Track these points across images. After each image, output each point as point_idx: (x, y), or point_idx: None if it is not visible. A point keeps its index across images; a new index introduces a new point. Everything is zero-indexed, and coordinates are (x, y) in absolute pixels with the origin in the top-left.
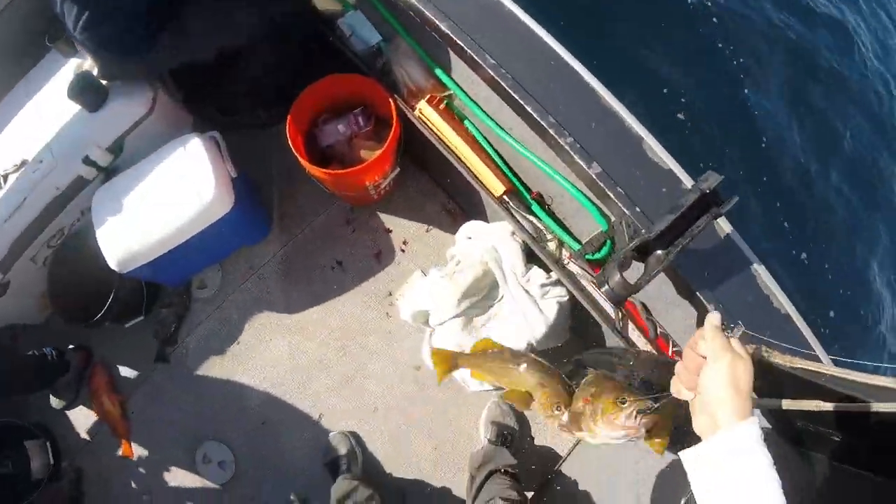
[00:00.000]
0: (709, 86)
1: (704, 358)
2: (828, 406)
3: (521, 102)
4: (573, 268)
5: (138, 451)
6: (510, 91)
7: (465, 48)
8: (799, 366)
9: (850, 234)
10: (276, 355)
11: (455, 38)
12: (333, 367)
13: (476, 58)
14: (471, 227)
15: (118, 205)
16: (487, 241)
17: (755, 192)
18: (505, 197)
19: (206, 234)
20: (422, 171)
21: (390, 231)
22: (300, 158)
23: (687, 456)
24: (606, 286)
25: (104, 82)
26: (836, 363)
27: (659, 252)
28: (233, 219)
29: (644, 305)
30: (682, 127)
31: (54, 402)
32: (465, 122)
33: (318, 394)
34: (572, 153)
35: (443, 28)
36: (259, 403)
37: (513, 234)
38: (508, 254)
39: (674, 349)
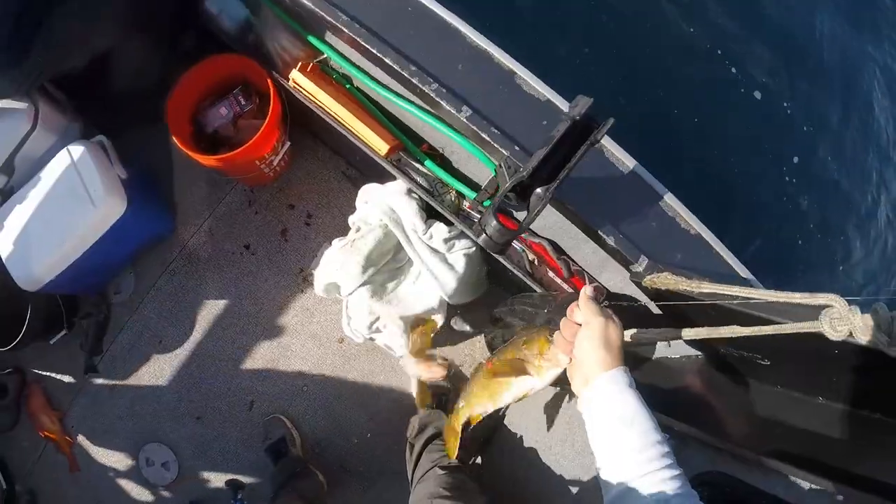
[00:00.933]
0: None
1: (580, 325)
2: (744, 331)
3: (379, 55)
4: (475, 216)
5: (85, 464)
6: (366, 45)
7: (318, 9)
8: (707, 290)
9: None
10: (199, 349)
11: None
12: (257, 353)
13: (328, 17)
14: (366, 191)
15: (16, 225)
16: (384, 203)
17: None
18: (395, 154)
19: (106, 240)
20: (315, 141)
21: (293, 206)
22: (182, 148)
23: (578, 406)
24: (484, 235)
25: None
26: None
27: (539, 190)
28: (131, 220)
29: (554, 244)
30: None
31: None
32: (348, 85)
33: (246, 381)
34: (439, 99)
35: None
36: (190, 399)
37: (409, 191)
38: (406, 212)
39: (592, 284)
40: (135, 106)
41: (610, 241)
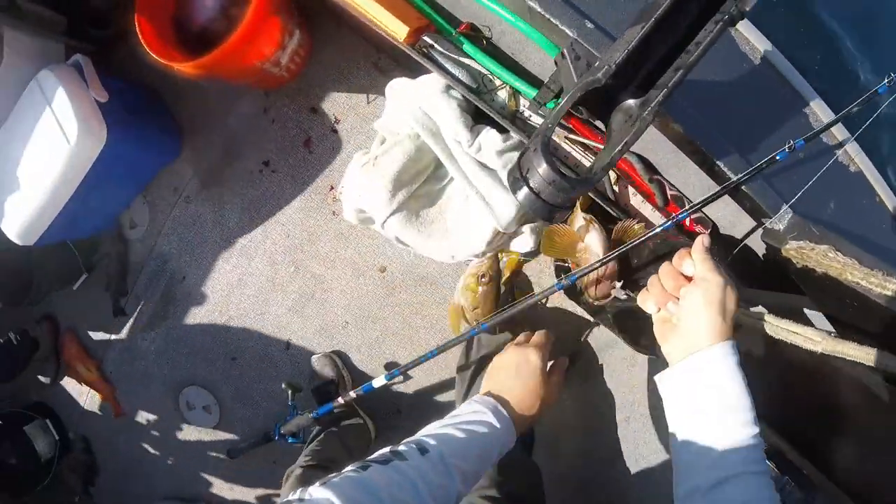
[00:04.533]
0: None
1: (688, 279)
2: None
3: None
4: (537, 121)
5: (129, 409)
6: None
7: None
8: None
9: None
10: (225, 284)
11: None
12: (288, 286)
13: None
14: (393, 89)
15: None
16: (414, 105)
17: None
18: (424, 40)
19: (97, 176)
20: (338, 27)
21: (316, 110)
22: (154, 55)
23: (664, 377)
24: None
25: None
26: None
27: (631, 102)
28: (121, 148)
29: (643, 160)
30: None
31: (42, 378)
32: None
33: (280, 318)
34: None
35: None
36: (223, 339)
37: (447, 88)
38: (445, 117)
39: (692, 216)
40: (121, 17)
41: (731, 175)
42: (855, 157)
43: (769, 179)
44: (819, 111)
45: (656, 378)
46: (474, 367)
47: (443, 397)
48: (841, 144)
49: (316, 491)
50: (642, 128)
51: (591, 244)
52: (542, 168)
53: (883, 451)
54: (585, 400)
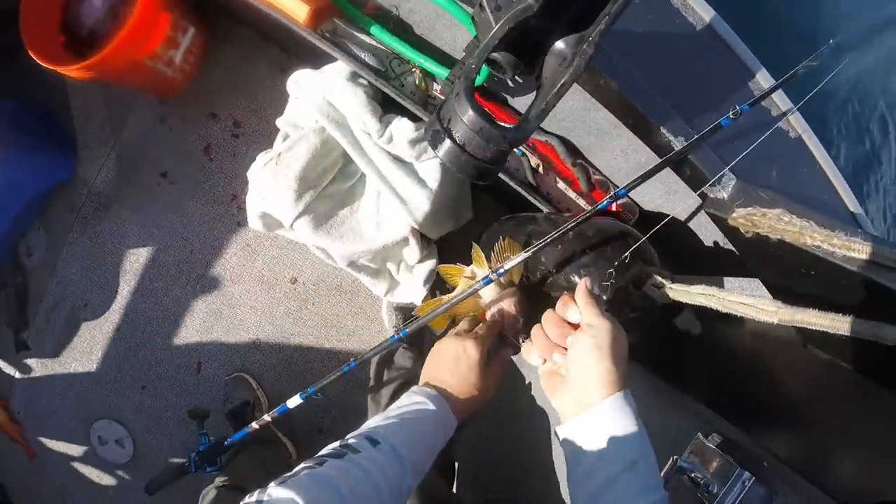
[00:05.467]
0: None
1: (574, 326)
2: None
3: None
4: None
5: (40, 450)
6: None
7: None
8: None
9: None
10: (130, 308)
11: None
12: (195, 305)
13: None
14: (295, 82)
15: None
16: (318, 96)
17: None
18: (327, 23)
19: None
20: (236, 25)
21: (215, 115)
22: (39, 60)
23: (561, 433)
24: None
25: None
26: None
27: (561, 44)
28: (13, 169)
29: (565, 142)
30: None
31: None
32: None
33: (189, 340)
34: None
35: None
36: (131, 367)
37: (352, 75)
38: (351, 106)
39: (617, 199)
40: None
41: (675, 142)
42: (795, 124)
43: (712, 147)
44: (761, 79)
45: (556, 430)
46: (392, 390)
47: (363, 406)
48: (784, 112)
49: (276, 491)
50: (581, 64)
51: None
52: (468, 115)
53: (841, 432)
54: (512, 418)
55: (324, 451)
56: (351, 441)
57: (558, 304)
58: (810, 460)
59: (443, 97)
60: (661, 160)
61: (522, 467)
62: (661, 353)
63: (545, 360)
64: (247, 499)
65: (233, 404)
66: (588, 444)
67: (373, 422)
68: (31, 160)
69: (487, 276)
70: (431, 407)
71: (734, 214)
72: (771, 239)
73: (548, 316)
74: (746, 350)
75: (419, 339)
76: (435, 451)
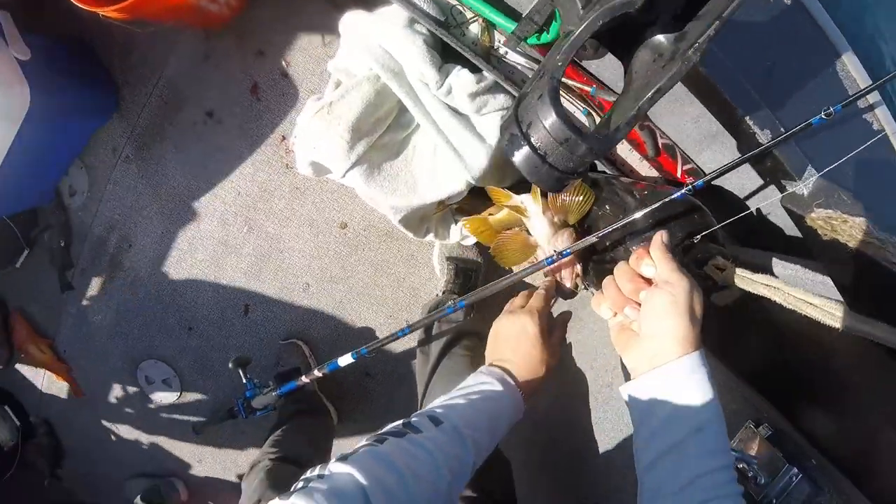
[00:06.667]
0: None
1: (648, 281)
2: None
3: None
4: (515, 59)
5: (87, 387)
6: None
7: None
8: None
9: None
10: (175, 249)
11: None
12: (242, 248)
13: None
14: (348, 25)
15: None
16: (373, 43)
17: None
18: None
19: (26, 139)
20: None
21: (263, 53)
22: (75, 2)
23: (629, 389)
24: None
25: None
26: None
27: (661, 38)
28: (50, 108)
29: None
30: None
31: None
32: None
33: (235, 282)
34: None
35: None
36: (177, 308)
37: (410, 22)
38: (409, 55)
39: (684, 167)
40: None
41: (760, 134)
42: (886, 125)
43: (798, 143)
44: (857, 76)
45: (620, 389)
46: (441, 344)
47: (408, 355)
48: (872, 109)
49: (336, 466)
50: (682, 70)
51: (539, 234)
52: (551, 121)
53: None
54: (558, 381)
55: (385, 430)
56: (413, 420)
57: (632, 258)
58: (857, 461)
59: (506, 50)
60: (745, 155)
61: (562, 426)
62: (711, 334)
63: (615, 314)
64: (307, 473)
65: (283, 367)
66: (659, 403)
67: (437, 401)
68: (69, 98)
69: (551, 258)
70: (497, 388)
71: (813, 214)
72: (850, 246)
73: (621, 268)
74: (801, 336)
75: (470, 288)
76: (499, 431)
